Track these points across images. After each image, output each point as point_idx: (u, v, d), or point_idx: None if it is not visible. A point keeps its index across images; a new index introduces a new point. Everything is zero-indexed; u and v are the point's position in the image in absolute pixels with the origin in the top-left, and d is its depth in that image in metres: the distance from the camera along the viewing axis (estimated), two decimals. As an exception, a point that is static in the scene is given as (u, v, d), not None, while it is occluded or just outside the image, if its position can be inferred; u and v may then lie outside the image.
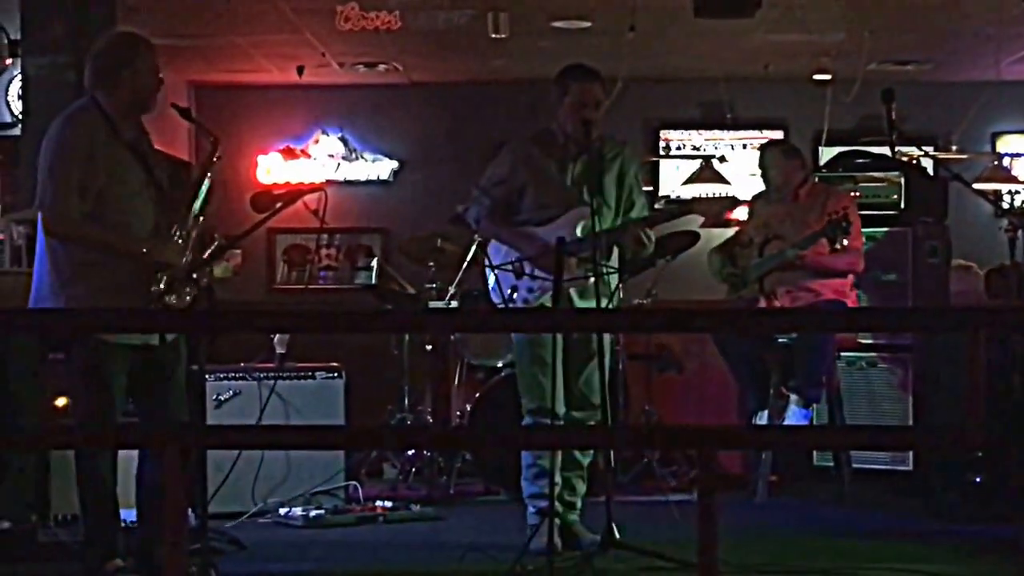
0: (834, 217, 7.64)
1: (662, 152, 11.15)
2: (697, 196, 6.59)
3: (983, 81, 10.61)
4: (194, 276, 5.73)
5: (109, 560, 5.76)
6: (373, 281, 10.06)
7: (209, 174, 5.86)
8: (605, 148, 6.63)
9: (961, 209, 9.82)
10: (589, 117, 6.49)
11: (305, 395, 7.79)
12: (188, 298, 5.70)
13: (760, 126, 11.07)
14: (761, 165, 8.26)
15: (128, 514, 6.03)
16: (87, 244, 5.65)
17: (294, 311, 4.42)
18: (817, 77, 10.42)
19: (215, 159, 5.88)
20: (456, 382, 8.75)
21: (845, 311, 7.53)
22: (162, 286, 5.62)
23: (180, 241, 5.76)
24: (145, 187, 5.75)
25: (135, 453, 5.93)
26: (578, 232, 6.43)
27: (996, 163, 10.44)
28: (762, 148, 8.47)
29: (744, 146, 11.07)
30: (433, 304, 8.80)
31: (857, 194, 8.59)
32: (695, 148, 11.14)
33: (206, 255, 5.83)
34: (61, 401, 6.88)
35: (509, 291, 6.54)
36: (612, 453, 6.92)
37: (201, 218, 5.86)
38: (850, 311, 7.61)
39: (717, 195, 6.31)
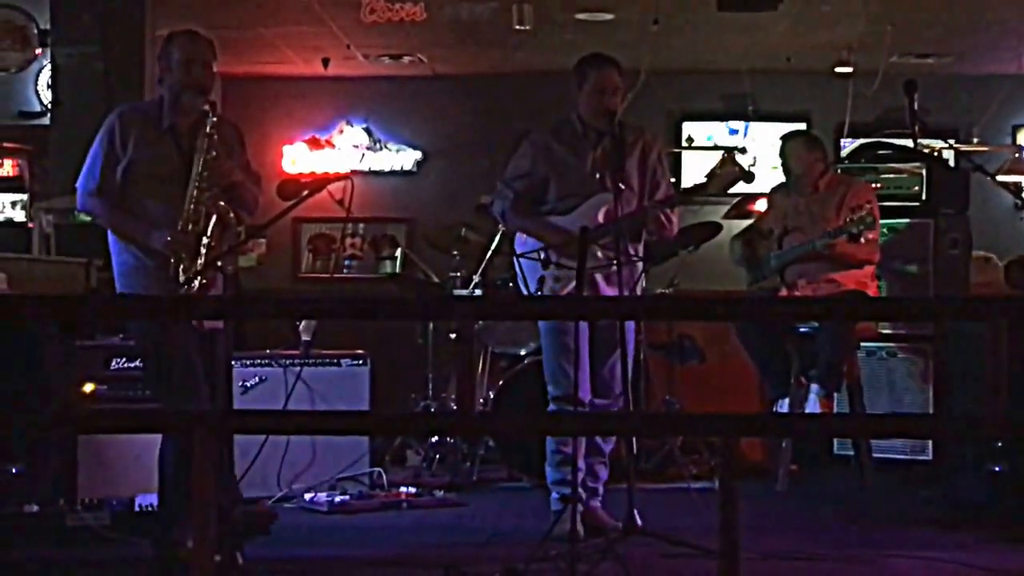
0: (859, 214, 7.64)
1: (684, 144, 11.19)
2: (713, 171, 6.58)
3: (1004, 74, 10.63)
4: (217, 265, 5.76)
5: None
6: (398, 270, 10.11)
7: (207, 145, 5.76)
8: (625, 133, 6.63)
9: (982, 201, 9.84)
10: (609, 103, 6.50)
11: (330, 382, 7.82)
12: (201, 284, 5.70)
13: (782, 118, 11.08)
14: (782, 156, 8.23)
15: (143, 499, 6.12)
16: (100, 219, 5.86)
17: (321, 298, 4.45)
18: (839, 70, 10.44)
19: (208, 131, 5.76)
20: (480, 370, 8.79)
21: (866, 300, 7.53)
22: (181, 274, 5.64)
23: (192, 229, 5.70)
24: (179, 172, 5.75)
25: (156, 438, 5.97)
26: (600, 217, 6.47)
27: (1017, 155, 10.46)
28: (783, 139, 8.39)
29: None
30: (457, 293, 8.84)
31: (878, 185, 8.59)
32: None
33: (227, 247, 5.85)
34: (89, 387, 6.95)
35: (537, 282, 6.58)
36: (635, 441, 6.97)
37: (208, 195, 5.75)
38: (871, 300, 7.61)
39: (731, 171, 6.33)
